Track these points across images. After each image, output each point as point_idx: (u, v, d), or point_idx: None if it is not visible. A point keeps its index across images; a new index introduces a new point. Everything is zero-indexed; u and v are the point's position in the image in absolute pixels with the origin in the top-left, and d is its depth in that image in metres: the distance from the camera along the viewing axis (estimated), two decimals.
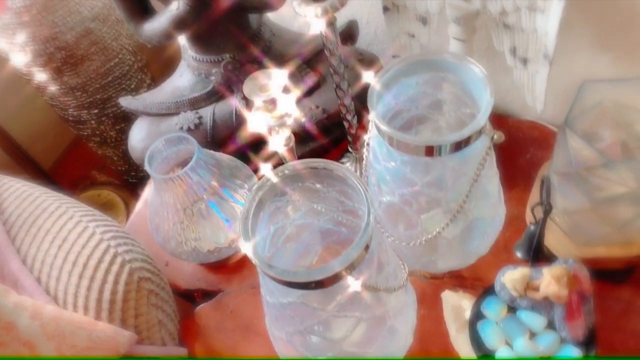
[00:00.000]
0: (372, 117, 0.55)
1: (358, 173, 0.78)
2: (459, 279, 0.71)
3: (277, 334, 0.58)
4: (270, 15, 0.85)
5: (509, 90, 0.83)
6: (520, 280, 0.53)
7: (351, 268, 0.47)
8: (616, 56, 0.70)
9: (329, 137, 0.83)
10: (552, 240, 0.67)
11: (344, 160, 0.85)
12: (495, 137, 0.53)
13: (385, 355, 0.59)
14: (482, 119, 0.52)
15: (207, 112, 0.80)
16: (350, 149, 0.80)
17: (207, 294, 0.79)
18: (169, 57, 1.14)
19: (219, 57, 0.78)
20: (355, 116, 0.73)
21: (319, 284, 0.46)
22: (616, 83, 0.59)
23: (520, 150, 0.81)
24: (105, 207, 1.37)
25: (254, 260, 0.47)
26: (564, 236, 0.67)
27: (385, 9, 0.69)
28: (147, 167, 0.67)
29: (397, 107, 0.63)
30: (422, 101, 0.63)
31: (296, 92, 0.67)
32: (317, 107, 0.78)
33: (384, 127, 0.54)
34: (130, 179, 1.36)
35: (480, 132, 0.53)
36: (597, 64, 0.70)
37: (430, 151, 0.53)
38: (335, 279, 0.46)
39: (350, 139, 0.77)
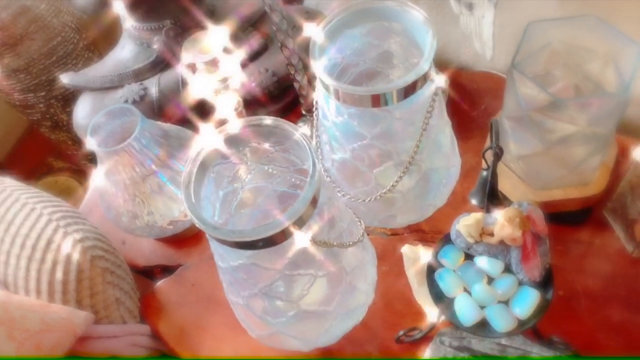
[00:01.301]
0: (315, 70, 0.53)
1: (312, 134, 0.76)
2: (419, 233, 0.71)
3: (234, 300, 0.57)
4: None
5: (460, 42, 0.81)
6: (474, 225, 0.53)
7: (299, 223, 0.45)
8: None
9: (283, 101, 0.81)
10: (509, 186, 0.67)
11: (300, 124, 0.83)
12: (443, 84, 0.52)
13: (347, 311, 0.58)
14: (426, 63, 0.51)
15: (152, 83, 0.77)
16: (303, 112, 0.78)
17: (167, 270, 0.77)
18: (117, 33, 1.10)
19: (159, 24, 0.75)
20: (305, 76, 0.71)
21: (267, 242, 0.45)
22: (562, 22, 0.59)
23: (475, 101, 0.80)
24: (64, 193, 1.33)
25: (198, 224, 0.45)
26: (520, 182, 0.66)
27: None
28: (88, 142, 0.65)
29: (345, 62, 0.61)
30: (369, 54, 0.62)
31: (239, 53, 0.65)
32: (266, 70, 0.76)
33: (327, 80, 0.53)
34: (88, 163, 1.32)
35: (425, 78, 0.52)
36: (546, 7, 0.69)
37: (376, 101, 0.52)
38: (284, 235, 0.45)
39: (302, 100, 0.75)
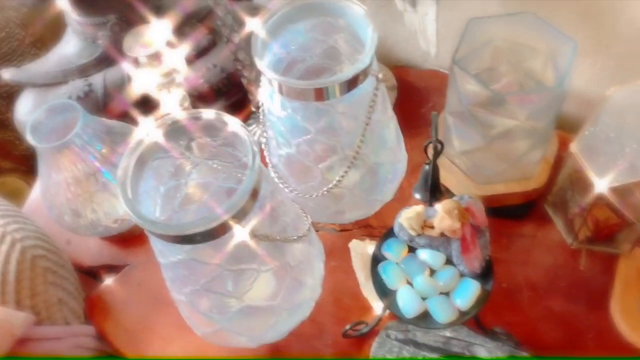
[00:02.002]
0: (258, 64, 0.53)
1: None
2: (367, 229, 0.71)
3: (177, 297, 0.56)
4: None
5: (408, 40, 0.82)
6: (415, 218, 0.54)
7: (239, 216, 0.45)
8: None
9: (233, 98, 0.80)
10: (454, 181, 0.68)
11: (250, 121, 0.83)
12: (380, 76, 0.52)
13: (293, 306, 0.58)
14: (367, 58, 0.51)
15: (97, 79, 0.75)
16: (253, 109, 0.78)
17: (114, 269, 0.75)
18: (64, 29, 1.07)
19: (104, 19, 0.73)
20: (253, 72, 0.71)
21: (205, 236, 0.44)
22: (502, 19, 0.60)
23: (423, 99, 0.81)
24: (13, 194, 1.28)
25: (133, 218, 0.44)
26: (464, 177, 0.67)
27: None
28: (28, 138, 0.63)
29: (290, 58, 0.61)
30: (315, 50, 0.62)
31: (184, 48, 0.64)
32: (214, 66, 0.75)
33: (270, 74, 0.52)
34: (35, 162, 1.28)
35: (366, 73, 0.52)
36: (489, 5, 0.71)
37: (318, 95, 0.52)
38: (223, 229, 0.45)
39: (251, 97, 0.74)
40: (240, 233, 0.45)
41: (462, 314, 0.53)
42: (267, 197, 0.50)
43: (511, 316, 0.62)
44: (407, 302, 0.53)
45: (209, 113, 0.49)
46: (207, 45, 0.75)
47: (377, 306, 0.62)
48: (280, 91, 0.53)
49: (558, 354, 0.60)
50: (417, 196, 0.61)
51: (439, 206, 0.52)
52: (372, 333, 0.63)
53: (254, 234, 0.47)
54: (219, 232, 0.45)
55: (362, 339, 0.63)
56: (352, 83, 0.52)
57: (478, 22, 0.59)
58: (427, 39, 0.65)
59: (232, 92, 0.79)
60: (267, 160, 0.65)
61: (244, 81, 0.71)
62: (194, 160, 0.55)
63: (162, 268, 0.54)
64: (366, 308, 0.65)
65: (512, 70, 0.65)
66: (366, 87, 0.54)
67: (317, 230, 0.70)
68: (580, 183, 0.62)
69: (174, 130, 0.49)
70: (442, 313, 0.52)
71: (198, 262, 0.49)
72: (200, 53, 0.75)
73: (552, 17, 0.61)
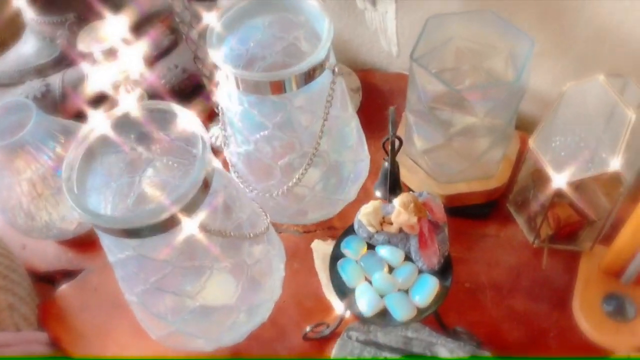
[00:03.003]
0: (213, 58, 0.52)
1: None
2: (330, 230, 0.70)
3: (130, 298, 0.54)
4: None
5: (373, 43, 0.82)
6: (373, 213, 0.53)
7: (189, 210, 0.44)
8: None
9: (195, 99, 0.79)
10: (417, 181, 0.67)
11: (213, 123, 0.81)
12: (337, 69, 0.52)
13: (251, 307, 0.56)
14: (322, 51, 0.51)
15: (55, 80, 0.74)
16: (216, 109, 0.77)
17: (70, 274, 0.73)
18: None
19: (62, 18, 0.72)
20: (215, 70, 0.70)
21: (153, 230, 0.43)
22: (461, 17, 0.60)
23: (387, 101, 0.81)
24: None
25: (76, 211, 0.42)
26: (426, 177, 0.67)
27: None
28: None
29: (250, 54, 0.60)
30: (275, 47, 0.61)
31: (141, 45, 0.63)
32: (176, 66, 0.74)
33: (225, 66, 0.51)
34: None
35: (322, 66, 0.52)
36: (451, 3, 0.71)
37: (274, 88, 0.51)
38: (171, 222, 0.43)
39: (212, 97, 0.73)
40: (190, 227, 0.44)
41: (421, 311, 0.51)
42: (220, 191, 0.49)
43: (474, 316, 0.62)
44: (365, 300, 0.52)
45: (158, 104, 0.47)
46: (168, 45, 0.74)
47: (339, 307, 0.61)
48: (237, 85, 0.52)
49: (520, 354, 0.59)
50: (378, 193, 0.60)
51: (396, 201, 0.51)
52: (333, 335, 0.61)
53: (205, 228, 0.46)
54: (167, 225, 0.43)
55: (324, 341, 0.62)
56: (308, 76, 0.51)
57: (437, 20, 0.59)
58: (388, 38, 0.65)
59: (194, 93, 0.78)
60: (228, 159, 0.64)
61: (205, 81, 0.70)
62: (148, 156, 0.53)
63: (113, 268, 0.52)
64: (328, 310, 0.63)
65: (474, 70, 0.65)
66: (323, 80, 0.53)
67: (279, 232, 0.69)
68: (541, 181, 0.62)
69: (124, 123, 0.48)
70: (401, 310, 0.51)
71: (147, 259, 0.47)
72: (161, 53, 0.74)
73: (512, 19, 0.61)
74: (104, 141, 0.48)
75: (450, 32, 0.61)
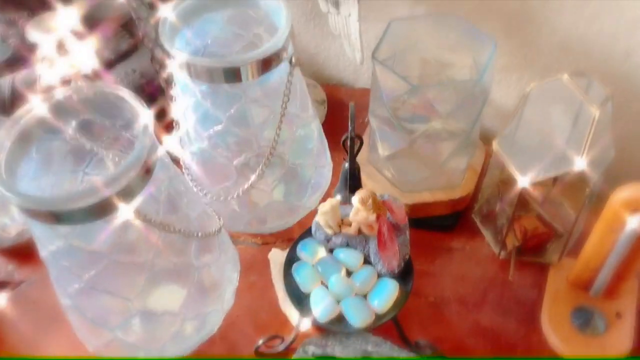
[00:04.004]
0: (165, 45, 0.50)
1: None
2: (290, 242, 0.65)
3: (64, 302, 0.49)
4: None
5: (339, 57, 0.81)
6: (331, 212, 0.50)
7: (125, 195, 0.40)
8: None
9: (154, 105, 0.76)
10: (380, 190, 0.64)
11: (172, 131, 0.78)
12: (294, 60, 0.50)
13: (198, 315, 0.52)
14: (280, 39, 0.49)
15: (4, 81, 0.70)
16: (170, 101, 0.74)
17: (8, 286, 0.67)
18: None
19: (15, 16, 0.69)
20: None
21: (86, 215, 0.39)
22: (424, 20, 0.59)
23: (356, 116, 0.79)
24: None
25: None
26: (390, 186, 0.65)
27: None
28: None
29: (207, 52, 0.58)
30: (234, 46, 0.59)
31: (93, 40, 0.60)
32: (134, 71, 0.72)
33: (177, 52, 0.49)
34: None
35: (279, 57, 0.50)
36: (415, 9, 0.70)
37: (229, 75, 0.49)
38: (105, 207, 0.39)
39: (171, 101, 0.71)
40: (126, 212, 0.40)
41: (379, 316, 0.48)
42: (164, 182, 0.45)
43: (438, 330, 0.58)
44: (321, 305, 0.48)
45: (102, 87, 0.45)
46: (126, 49, 0.72)
47: (295, 319, 0.57)
48: (189, 72, 0.50)
49: None
50: (338, 197, 0.57)
51: (355, 198, 0.49)
52: (289, 351, 0.57)
53: (144, 217, 0.42)
54: (100, 210, 0.39)
55: (279, 358, 0.57)
56: (264, 65, 0.49)
57: (400, 23, 0.58)
58: (352, 43, 0.64)
59: (153, 99, 0.75)
60: (181, 161, 0.60)
61: (162, 83, 0.67)
62: (92, 147, 0.50)
63: (47, 266, 0.48)
64: (284, 324, 0.59)
65: (438, 75, 0.63)
66: (280, 73, 0.51)
67: (237, 244, 0.65)
68: (507, 191, 0.60)
69: (64, 107, 0.45)
70: (358, 315, 0.48)
71: (79, 250, 0.43)
72: (119, 57, 0.72)
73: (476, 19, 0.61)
74: (40, 125, 0.44)
75: (414, 36, 0.60)
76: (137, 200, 0.41)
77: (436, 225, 0.66)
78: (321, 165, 0.62)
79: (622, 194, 0.48)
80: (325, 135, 0.65)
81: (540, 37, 0.66)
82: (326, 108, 0.78)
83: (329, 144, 0.65)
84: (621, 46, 0.63)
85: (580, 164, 0.49)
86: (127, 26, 0.72)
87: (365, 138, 0.70)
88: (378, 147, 0.63)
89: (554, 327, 0.56)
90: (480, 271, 0.63)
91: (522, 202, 0.66)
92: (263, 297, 0.62)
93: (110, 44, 0.72)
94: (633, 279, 0.58)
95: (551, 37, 0.65)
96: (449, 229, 0.66)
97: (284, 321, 0.60)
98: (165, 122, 0.71)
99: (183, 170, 0.60)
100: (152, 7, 0.56)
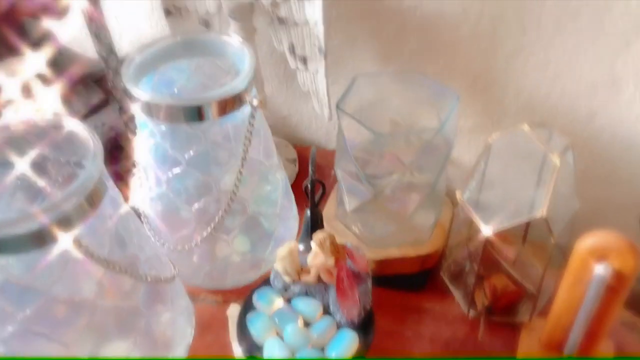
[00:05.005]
0: (125, 84, 0.50)
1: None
2: None
3: None
4: None
5: (311, 120, 0.82)
6: (289, 257, 0.48)
7: (65, 223, 0.38)
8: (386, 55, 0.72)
9: (124, 160, 0.75)
10: None
11: None
12: (256, 102, 0.50)
13: None
14: (243, 81, 0.49)
15: None
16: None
17: None
18: None
19: None
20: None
21: (19, 243, 0.37)
22: (388, 76, 0.60)
23: (324, 175, 0.78)
24: None
25: None
26: (358, 242, 0.63)
27: (168, 13, 0.67)
28: None
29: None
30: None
31: (59, 85, 0.60)
32: (103, 124, 0.72)
33: (137, 91, 0.49)
34: None
35: (240, 99, 0.50)
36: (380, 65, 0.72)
37: (189, 115, 0.48)
38: (42, 236, 0.37)
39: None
40: (65, 242, 0.38)
41: None
42: (112, 219, 0.43)
43: None
44: (274, 356, 0.45)
45: (54, 119, 0.44)
46: (97, 103, 0.72)
47: None
48: (149, 112, 0.49)
49: None
50: (301, 247, 0.55)
51: (312, 241, 0.47)
52: None
53: (86, 251, 0.40)
54: (38, 239, 0.37)
55: None
56: (225, 105, 0.49)
57: (366, 78, 0.59)
58: (320, 100, 0.65)
59: (121, 151, 0.74)
60: (141, 211, 0.59)
61: (131, 136, 0.67)
62: (44, 184, 0.48)
63: None
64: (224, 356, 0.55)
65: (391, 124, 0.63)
66: (242, 116, 0.51)
67: (195, 302, 0.62)
68: (475, 247, 0.59)
69: (16, 140, 0.44)
70: None
71: (14, 285, 0.40)
72: (90, 111, 0.72)
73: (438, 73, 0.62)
74: None
75: (380, 92, 0.61)
76: (78, 230, 0.39)
77: (405, 285, 0.63)
78: (287, 217, 0.61)
79: (587, 242, 0.46)
80: (296, 194, 0.64)
81: (506, 97, 0.67)
82: (297, 167, 0.77)
83: (299, 203, 0.64)
84: (584, 108, 0.64)
85: (541, 211, 0.48)
86: (99, 81, 0.72)
87: (333, 194, 0.69)
88: (345, 202, 0.62)
89: None
90: (450, 332, 0.60)
91: (492, 261, 0.64)
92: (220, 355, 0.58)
93: (81, 97, 0.72)
94: (608, 340, 0.55)
95: (516, 98, 0.67)
96: (418, 288, 0.64)
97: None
98: (131, 174, 0.70)
99: (142, 218, 0.58)
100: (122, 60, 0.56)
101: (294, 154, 0.78)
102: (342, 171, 0.60)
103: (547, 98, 0.65)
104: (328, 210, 0.68)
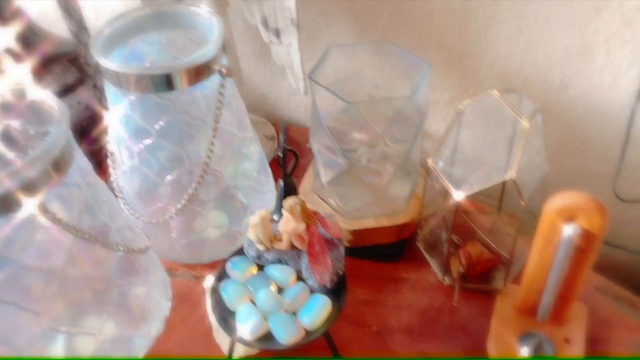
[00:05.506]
0: (94, 56, 0.50)
1: None
2: None
3: None
4: None
5: (290, 97, 0.82)
6: (261, 225, 0.48)
7: (30, 188, 0.38)
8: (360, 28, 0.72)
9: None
10: None
11: None
12: (225, 70, 0.49)
13: (117, 337, 0.48)
14: (212, 49, 0.49)
15: None
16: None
17: None
18: None
19: None
20: None
21: None
22: (363, 47, 0.60)
23: (303, 152, 0.78)
24: None
25: None
26: (335, 213, 0.63)
27: None
28: None
29: None
30: None
31: (30, 62, 0.60)
32: (79, 103, 0.71)
33: (105, 61, 0.49)
34: None
35: (210, 67, 0.50)
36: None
37: (158, 83, 0.48)
38: (8, 200, 0.37)
39: None
40: (30, 207, 0.38)
41: (309, 333, 0.45)
42: (81, 187, 0.43)
43: None
44: (247, 321, 0.45)
45: (20, 89, 0.44)
46: (73, 82, 0.72)
47: (226, 347, 0.54)
48: (118, 82, 0.49)
49: None
50: (276, 217, 0.55)
51: (283, 209, 0.47)
52: None
53: (53, 218, 0.40)
54: (3, 204, 0.37)
55: None
56: (194, 74, 0.48)
57: (339, 49, 0.59)
58: (294, 74, 0.65)
59: (99, 134, 0.74)
60: (115, 184, 0.59)
61: (104, 111, 0.66)
62: (13, 155, 0.48)
63: None
64: (218, 356, 0.55)
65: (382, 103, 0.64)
66: (212, 85, 0.51)
67: (173, 277, 0.62)
68: (451, 218, 0.59)
69: None
70: (285, 332, 0.45)
71: None
72: (65, 90, 0.71)
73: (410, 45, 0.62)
74: None
75: (354, 64, 0.61)
76: (43, 196, 0.39)
77: (383, 255, 0.64)
78: (263, 190, 0.61)
79: (555, 203, 0.47)
80: (274, 171, 0.64)
81: (480, 69, 0.67)
82: (276, 144, 0.77)
83: (277, 179, 0.64)
84: (557, 77, 0.64)
85: (510, 173, 0.48)
86: (74, 61, 0.72)
87: (310, 169, 0.69)
88: (321, 175, 0.62)
89: (501, 355, 0.53)
90: (426, 300, 0.60)
91: (468, 230, 0.65)
92: (197, 330, 0.58)
93: (56, 76, 0.71)
94: (581, 303, 0.56)
95: (491, 69, 0.67)
96: (395, 258, 0.64)
97: (218, 353, 0.56)
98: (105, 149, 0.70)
99: (116, 192, 0.58)
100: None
101: (272, 131, 0.78)
102: (317, 144, 0.61)
103: (521, 68, 0.65)
104: (305, 185, 0.68)
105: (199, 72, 0.49)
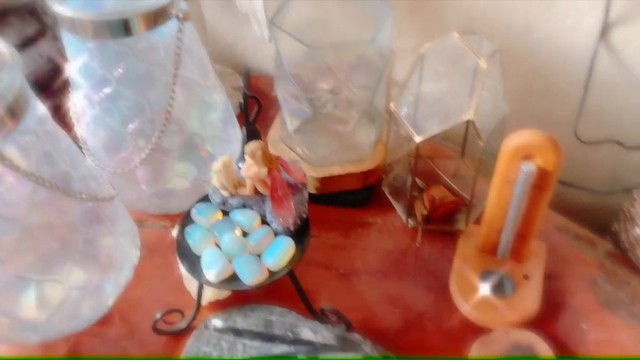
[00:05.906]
0: (51, 4, 0.48)
1: None
2: None
3: None
4: None
5: (257, 46, 0.81)
6: (224, 171, 0.48)
7: None
8: None
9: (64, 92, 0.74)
10: None
11: None
12: (182, 15, 0.49)
13: (83, 286, 0.49)
14: None
15: None
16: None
17: None
18: None
19: None
20: None
21: None
22: None
23: (272, 103, 0.78)
24: None
25: None
26: (301, 161, 0.64)
27: None
28: None
29: None
30: None
31: None
32: (41, 56, 0.70)
33: (61, 9, 0.48)
34: None
35: (167, 12, 0.49)
36: None
37: (114, 29, 0.47)
38: None
39: None
40: None
41: (272, 273, 0.46)
42: (38, 135, 0.43)
43: (348, 301, 0.56)
44: (212, 264, 0.46)
45: None
46: (33, 34, 0.70)
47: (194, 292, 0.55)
48: (74, 29, 0.48)
49: (395, 337, 0.54)
50: (241, 164, 0.56)
51: (245, 154, 0.47)
52: (192, 329, 0.54)
53: (11, 164, 0.40)
54: None
55: (180, 336, 0.54)
56: (151, 19, 0.48)
57: None
58: (258, 20, 0.64)
59: (63, 86, 0.73)
60: (78, 135, 0.58)
61: (65, 63, 0.65)
62: None
63: None
64: (189, 304, 0.56)
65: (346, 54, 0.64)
66: (169, 31, 0.50)
67: (143, 227, 0.63)
68: (416, 164, 0.60)
69: None
70: (249, 272, 0.46)
71: None
72: (25, 43, 0.70)
73: None
74: None
75: (317, 11, 0.61)
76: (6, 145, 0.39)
77: (350, 202, 0.65)
78: (229, 140, 0.61)
79: (512, 141, 0.48)
80: (242, 122, 0.64)
81: (445, 14, 0.67)
82: (243, 92, 0.77)
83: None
84: (521, 21, 0.65)
85: (469, 113, 0.49)
86: (34, 12, 0.70)
87: (277, 118, 0.69)
88: (287, 123, 0.62)
89: (463, 292, 0.55)
90: (391, 243, 0.62)
91: (432, 174, 0.66)
92: (167, 278, 0.59)
93: (15, 28, 0.70)
94: (540, 241, 0.58)
95: (456, 14, 0.67)
96: (362, 204, 0.65)
97: (188, 300, 0.57)
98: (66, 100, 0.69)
99: (81, 144, 0.58)
100: None
101: (240, 82, 0.78)
102: (282, 92, 0.61)
103: (485, 13, 0.65)
104: (273, 134, 0.68)
105: (156, 17, 0.48)
